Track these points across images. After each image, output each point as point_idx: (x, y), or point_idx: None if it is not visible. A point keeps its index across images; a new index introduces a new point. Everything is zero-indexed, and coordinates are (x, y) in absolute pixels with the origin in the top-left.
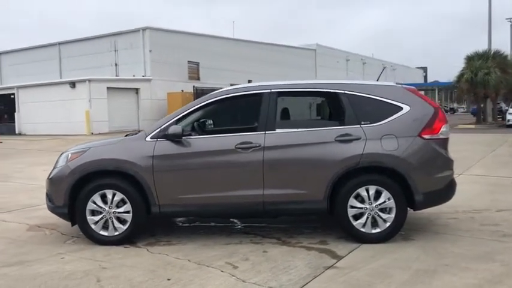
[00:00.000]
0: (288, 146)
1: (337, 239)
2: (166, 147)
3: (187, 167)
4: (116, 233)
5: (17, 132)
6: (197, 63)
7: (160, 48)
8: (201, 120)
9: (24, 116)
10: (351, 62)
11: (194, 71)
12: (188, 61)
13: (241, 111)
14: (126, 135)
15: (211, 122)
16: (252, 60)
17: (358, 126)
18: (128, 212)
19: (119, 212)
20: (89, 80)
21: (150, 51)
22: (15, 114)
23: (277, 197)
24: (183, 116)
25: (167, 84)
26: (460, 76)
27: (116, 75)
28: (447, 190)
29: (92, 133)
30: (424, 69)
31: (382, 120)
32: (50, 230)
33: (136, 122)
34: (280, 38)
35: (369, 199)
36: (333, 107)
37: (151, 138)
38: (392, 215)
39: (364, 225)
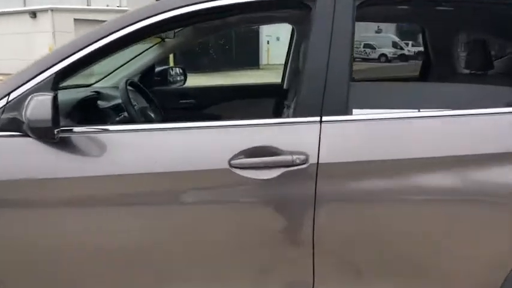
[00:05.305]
0: (389, 167)
1: None
2: (18, 157)
3: (83, 218)
4: None
5: None
6: None
7: None
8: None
9: None
10: None
11: None
12: None
13: (248, 55)
14: None
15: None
16: None
17: None
18: None
19: None
20: (52, 10)
21: None
22: None
23: None
24: (74, 63)
25: None
26: None
27: (88, 5)
28: None
29: None
30: None
31: None
32: None
33: None
34: None
35: None
36: None
37: None
38: None
39: None
